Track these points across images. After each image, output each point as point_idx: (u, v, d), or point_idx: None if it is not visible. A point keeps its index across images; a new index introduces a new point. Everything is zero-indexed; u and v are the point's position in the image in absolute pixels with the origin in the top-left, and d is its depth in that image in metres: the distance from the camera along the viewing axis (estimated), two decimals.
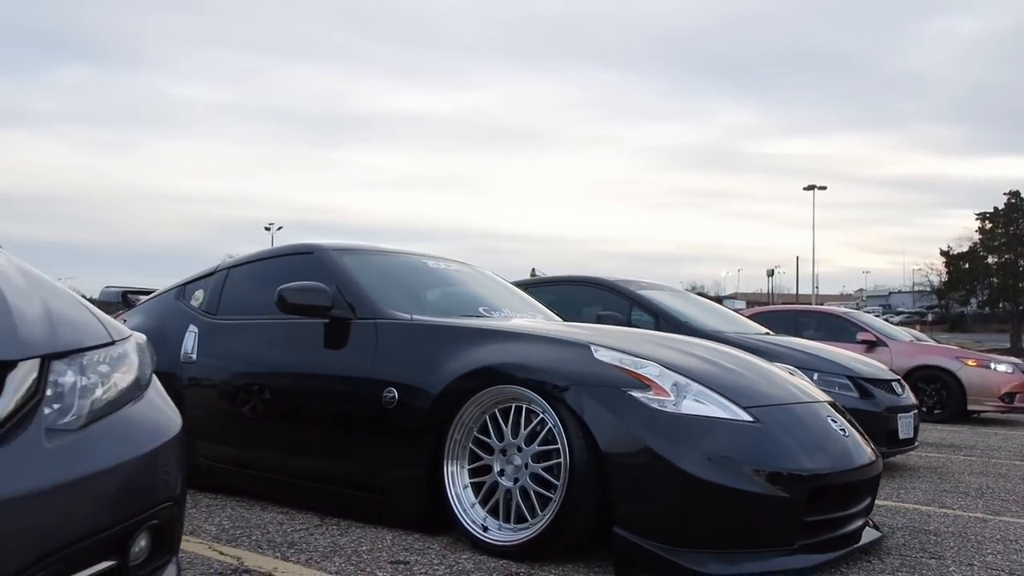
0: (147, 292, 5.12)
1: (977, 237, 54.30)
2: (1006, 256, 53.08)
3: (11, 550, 1.36)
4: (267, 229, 67.09)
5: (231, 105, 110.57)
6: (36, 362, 1.53)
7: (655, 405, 2.89)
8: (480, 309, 4.06)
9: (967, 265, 54.15)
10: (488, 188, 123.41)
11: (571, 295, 6.93)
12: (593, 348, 3.13)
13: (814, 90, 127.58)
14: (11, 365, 1.48)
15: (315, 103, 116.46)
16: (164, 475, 1.75)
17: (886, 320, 25.94)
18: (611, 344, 3.21)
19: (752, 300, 71.66)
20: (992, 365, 10.31)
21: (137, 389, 1.80)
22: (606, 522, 2.84)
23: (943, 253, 55.19)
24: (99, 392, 1.67)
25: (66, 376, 1.60)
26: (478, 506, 3.11)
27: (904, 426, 5.64)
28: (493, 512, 3.07)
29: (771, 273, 77.41)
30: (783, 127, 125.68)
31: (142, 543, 1.69)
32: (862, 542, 3.23)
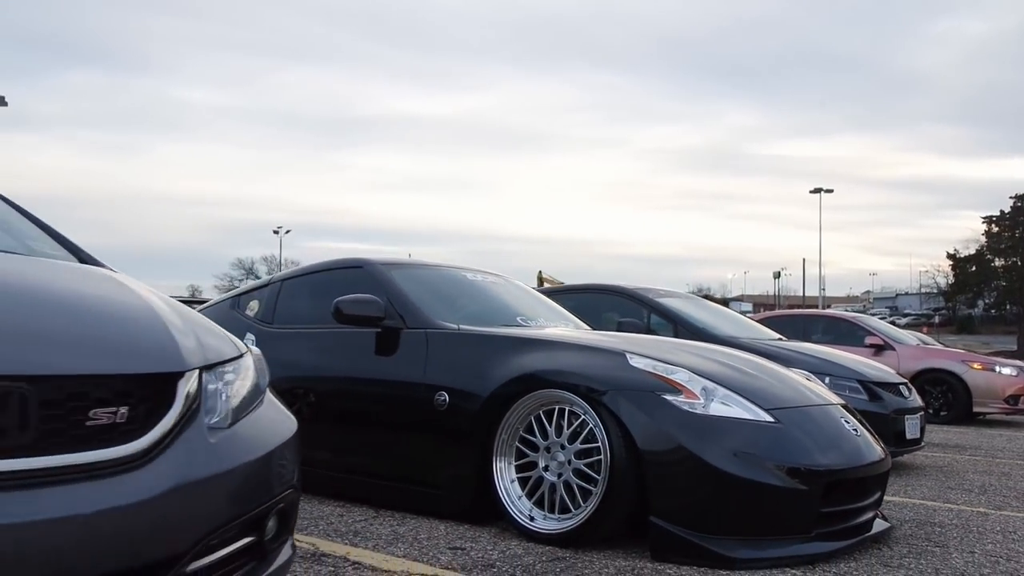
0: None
1: (983, 240, 54.45)
2: (1013, 259, 53.22)
3: (193, 525, 1.69)
4: (276, 232, 67.59)
5: (236, 108, 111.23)
6: (197, 372, 1.86)
7: (686, 407, 3.22)
8: (517, 319, 4.39)
9: (974, 268, 54.29)
10: (493, 190, 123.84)
11: (591, 302, 7.24)
12: (628, 355, 3.46)
13: (819, 91, 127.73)
14: (180, 375, 1.81)
15: (319, 106, 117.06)
16: (289, 466, 2.08)
17: (893, 323, 26.23)
18: (643, 351, 3.54)
19: (758, 302, 71.76)
20: (997, 368, 10.60)
21: (258, 394, 2.13)
22: (642, 513, 3.16)
23: (950, 256, 55.37)
24: (235, 398, 2.00)
25: (213, 384, 1.93)
26: (524, 498, 3.44)
27: (911, 427, 5.95)
28: (539, 504, 3.40)
29: (777, 275, 77.57)
30: (788, 129, 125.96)
31: (271, 523, 2.02)
32: (873, 532, 3.55)
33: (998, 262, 54.29)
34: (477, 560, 3.05)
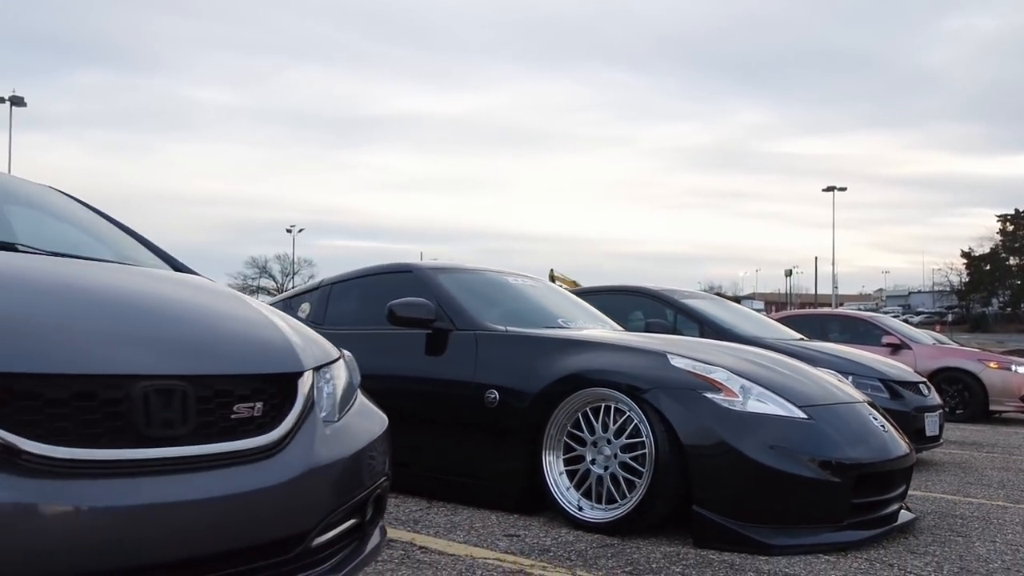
0: None
1: (998, 238, 54.38)
2: None
3: (317, 506, 1.94)
4: (288, 231, 68.06)
5: (244, 107, 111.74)
6: (311, 372, 2.11)
7: (726, 404, 3.45)
8: (558, 320, 4.63)
9: (988, 267, 54.23)
10: (502, 189, 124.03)
11: (618, 303, 7.45)
12: (669, 356, 3.69)
13: (830, 89, 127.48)
14: (299, 375, 2.05)
15: (327, 105, 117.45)
16: (382, 456, 2.33)
17: (906, 321, 26.33)
18: (683, 352, 3.77)
19: (770, 300, 71.69)
20: (1013, 367, 10.77)
21: (353, 391, 2.38)
22: (685, 503, 3.40)
23: (964, 255, 55.31)
24: (338, 395, 2.25)
25: (321, 382, 2.18)
26: (572, 489, 3.68)
27: (930, 424, 6.16)
28: (586, 495, 3.63)
29: (789, 273, 77.51)
30: (798, 126, 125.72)
31: (369, 507, 2.27)
32: (899, 522, 3.77)
33: (1013, 261, 54.20)
34: (533, 546, 3.29)
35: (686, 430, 3.41)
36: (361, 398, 2.44)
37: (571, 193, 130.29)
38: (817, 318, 12.18)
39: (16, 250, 2.38)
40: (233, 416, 1.84)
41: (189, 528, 1.67)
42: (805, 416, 3.53)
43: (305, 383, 2.06)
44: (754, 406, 3.49)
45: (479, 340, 4.16)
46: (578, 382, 3.72)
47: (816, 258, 63.81)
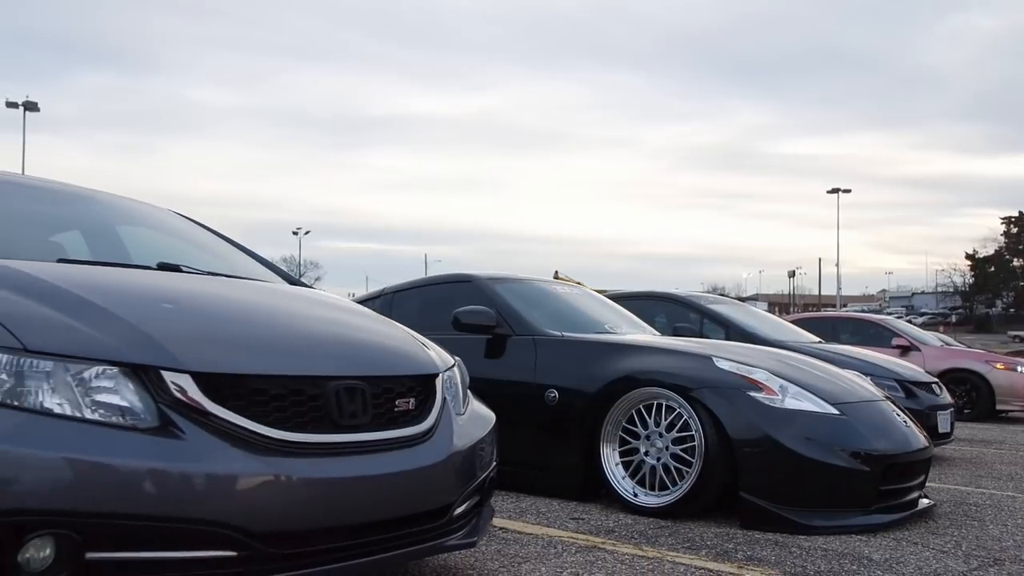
0: None
1: (1003, 240, 54.79)
2: None
3: (458, 482, 2.38)
4: (295, 233, 68.63)
5: (248, 108, 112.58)
6: (442, 373, 2.54)
7: (767, 402, 3.88)
8: (605, 326, 5.07)
9: (993, 268, 54.64)
10: (505, 190, 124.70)
11: (645, 308, 7.87)
12: (714, 359, 4.12)
13: (832, 89, 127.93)
14: (436, 375, 2.49)
15: (332, 106, 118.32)
16: (492, 447, 2.76)
17: (910, 321, 26.72)
18: (725, 355, 4.20)
19: (773, 301, 72.05)
20: (1019, 368, 11.16)
21: (466, 391, 2.82)
22: (731, 490, 3.82)
23: (968, 257, 55.72)
24: (459, 393, 2.68)
25: (447, 382, 2.61)
26: (628, 478, 4.11)
27: (942, 422, 6.59)
28: (640, 483, 4.06)
29: (792, 274, 77.92)
30: (801, 127, 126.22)
31: (485, 488, 2.70)
32: (919, 508, 4.19)
33: (1017, 262, 54.60)
34: (598, 526, 3.72)
35: (733, 425, 3.83)
36: (471, 397, 2.88)
37: (574, 193, 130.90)
38: (829, 320, 12.58)
39: (180, 271, 2.82)
40: (395, 409, 2.28)
41: (374, 497, 2.11)
42: (837, 412, 3.96)
43: (440, 382, 2.50)
44: (791, 403, 3.92)
45: (538, 344, 4.60)
46: (632, 382, 4.14)
47: (820, 260, 64.22)
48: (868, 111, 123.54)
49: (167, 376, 1.89)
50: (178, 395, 1.89)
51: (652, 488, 4.03)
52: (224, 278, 2.87)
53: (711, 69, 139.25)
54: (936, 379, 7.19)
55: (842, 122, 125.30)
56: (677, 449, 3.96)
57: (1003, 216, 56.08)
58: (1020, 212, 54.72)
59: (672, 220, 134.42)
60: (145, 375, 1.88)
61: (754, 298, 79.57)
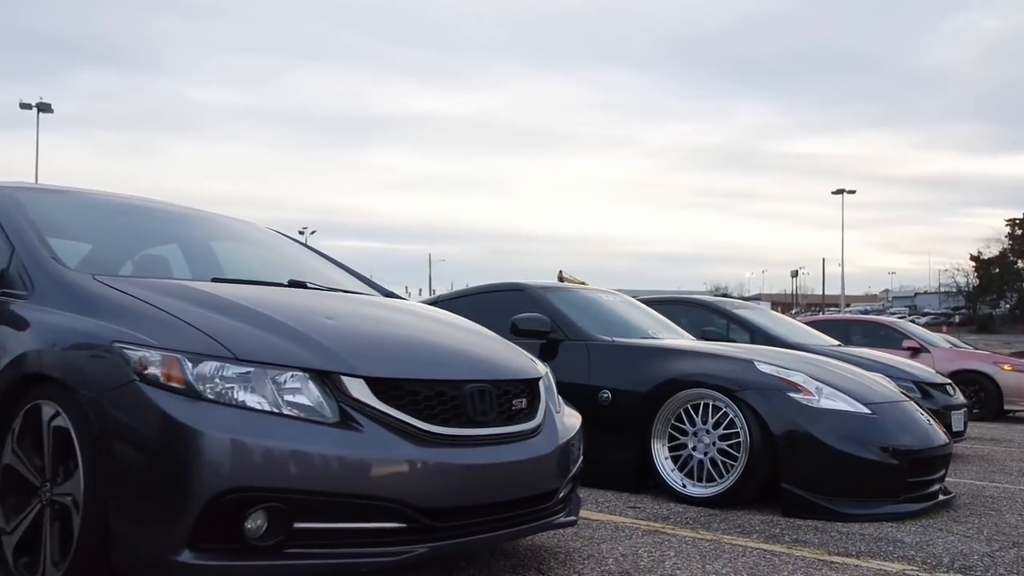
0: None
1: (1007, 241, 55.15)
2: None
3: (563, 470, 2.80)
4: (301, 232, 69.00)
5: (250, 108, 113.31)
6: (542, 377, 2.96)
7: (805, 402, 4.30)
8: (648, 331, 5.49)
9: (997, 270, 55.00)
10: (507, 189, 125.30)
11: (672, 313, 8.29)
12: (756, 362, 4.54)
13: (834, 89, 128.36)
14: (539, 379, 2.91)
15: (333, 105, 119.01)
16: (581, 441, 3.17)
17: (913, 322, 27.10)
18: (765, 359, 4.62)
19: (776, 301, 72.40)
20: None
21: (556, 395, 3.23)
22: (773, 482, 4.24)
23: (973, 258, 56.08)
24: (555, 394, 3.10)
25: (547, 385, 3.03)
26: (677, 471, 4.53)
27: (956, 421, 7.00)
28: (688, 476, 4.48)
29: (795, 274, 78.26)
30: (803, 126, 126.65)
31: (577, 478, 3.11)
32: (940, 499, 4.61)
33: (1021, 264, 54.96)
34: (654, 514, 4.14)
35: (774, 423, 4.25)
36: (560, 400, 3.29)
37: (576, 193, 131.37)
38: (842, 323, 12.98)
39: (306, 287, 3.23)
40: (513, 408, 2.70)
41: (504, 481, 2.53)
42: (868, 411, 4.38)
43: (543, 385, 2.92)
44: (826, 403, 4.34)
45: (590, 349, 5.02)
46: (681, 384, 4.57)
47: (823, 259, 64.72)
48: (870, 111, 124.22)
49: (346, 380, 2.31)
50: (355, 396, 2.31)
51: (700, 480, 4.44)
52: (344, 293, 3.29)
53: (712, 69, 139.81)
54: (950, 381, 7.60)
55: (844, 122, 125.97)
56: (724, 445, 4.38)
57: (1008, 218, 56.56)
58: None
59: (674, 220, 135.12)
60: (328, 379, 2.30)
61: (757, 298, 79.87)
